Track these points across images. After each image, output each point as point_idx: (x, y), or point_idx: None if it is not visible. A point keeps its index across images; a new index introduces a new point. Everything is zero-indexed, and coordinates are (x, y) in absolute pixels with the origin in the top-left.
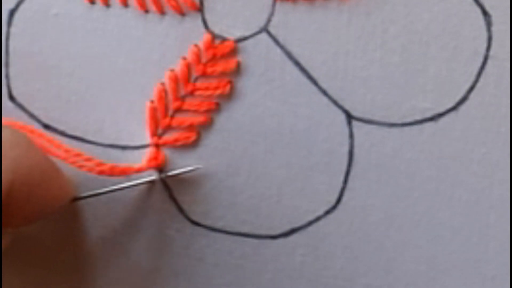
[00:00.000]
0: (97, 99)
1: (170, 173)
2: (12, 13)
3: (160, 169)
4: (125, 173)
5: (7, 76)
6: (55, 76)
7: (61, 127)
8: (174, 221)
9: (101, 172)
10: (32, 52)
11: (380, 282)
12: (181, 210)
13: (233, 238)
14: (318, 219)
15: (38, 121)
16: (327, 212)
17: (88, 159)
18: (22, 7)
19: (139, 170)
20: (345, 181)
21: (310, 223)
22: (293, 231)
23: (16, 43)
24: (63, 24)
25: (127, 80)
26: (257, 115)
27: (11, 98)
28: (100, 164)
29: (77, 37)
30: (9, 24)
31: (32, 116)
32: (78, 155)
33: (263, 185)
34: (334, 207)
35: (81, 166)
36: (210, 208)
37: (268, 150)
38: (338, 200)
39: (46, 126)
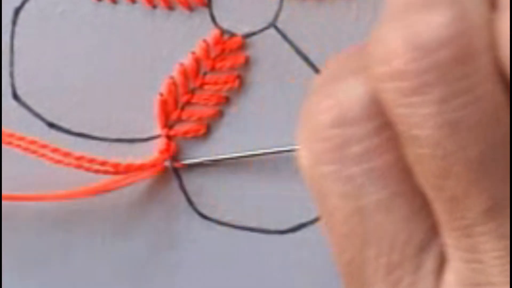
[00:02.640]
0: (103, 95)
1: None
2: (17, 11)
3: (172, 160)
4: (141, 169)
5: (12, 75)
6: (60, 73)
7: (66, 125)
8: (182, 213)
9: (117, 173)
10: (37, 51)
11: None
12: (190, 202)
13: (240, 233)
14: None
15: (43, 119)
16: None
17: (103, 163)
18: (27, 5)
19: (155, 164)
20: None
21: (318, 219)
22: (301, 226)
23: (21, 41)
24: (69, 21)
25: (134, 76)
26: (265, 110)
27: (15, 97)
28: (116, 165)
29: (84, 35)
30: (14, 22)
31: (36, 115)
32: (91, 160)
33: (272, 179)
34: None
35: (97, 171)
36: (219, 201)
37: (276, 146)
38: None
39: (51, 125)
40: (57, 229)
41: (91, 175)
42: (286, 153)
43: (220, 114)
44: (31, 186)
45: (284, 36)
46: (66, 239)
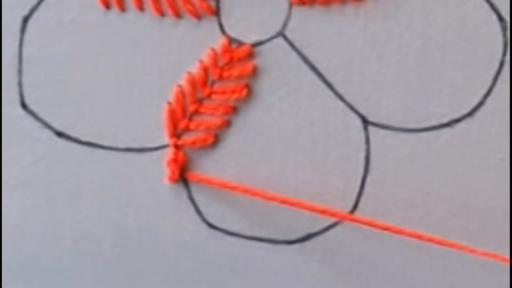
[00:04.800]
0: (112, 104)
1: None
2: (26, 19)
3: (180, 169)
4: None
5: (20, 84)
6: (69, 82)
7: (74, 134)
8: (190, 222)
9: None
10: (45, 59)
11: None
12: (198, 211)
13: (249, 243)
14: (334, 224)
15: (51, 128)
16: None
17: None
18: (36, 14)
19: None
20: (362, 186)
21: (326, 229)
22: (309, 236)
23: (30, 50)
24: (78, 30)
25: (143, 84)
26: (273, 119)
27: (23, 105)
28: None
29: (93, 43)
30: (23, 31)
31: (44, 123)
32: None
33: (280, 189)
34: (350, 213)
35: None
36: (227, 211)
37: (285, 155)
38: (355, 205)
39: (59, 134)
40: (65, 236)
41: None
42: (293, 164)
43: (228, 124)
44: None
45: (292, 45)
46: (74, 248)
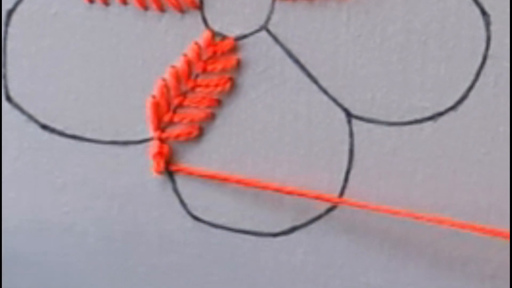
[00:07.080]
0: (96, 97)
1: None
2: (10, 13)
3: (165, 162)
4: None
5: (5, 77)
6: (53, 75)
7: (59, 127)
8: (175, 215)
9: None
10: (30, 52)
11: (380, 280)
12: (183, 204)
13: (233, 235)
14: (319, 217)
15: (36, 121)
16: (328, 210)
17: None
18: (20, 7)
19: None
20: (346, 179)
21: (311, 221)
22: (294, 229)
23: (14, 43)
24: (62, 23)
25: (127, 77)
26: (257, 112)
27: (8, 99)
28: None
29: (77, 36)
30: (7, 24)
31: (29, 116)
32: None
33: (264, 182)
34: (335, 205)
35: None
36: (212, 204)
37: (269, 148)
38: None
39: (44, 127)
40: (50, 229)
41: None
42: (277, 157)
43: (212, 117)
44: None
45: (276, 39)
46: (59, 240)
